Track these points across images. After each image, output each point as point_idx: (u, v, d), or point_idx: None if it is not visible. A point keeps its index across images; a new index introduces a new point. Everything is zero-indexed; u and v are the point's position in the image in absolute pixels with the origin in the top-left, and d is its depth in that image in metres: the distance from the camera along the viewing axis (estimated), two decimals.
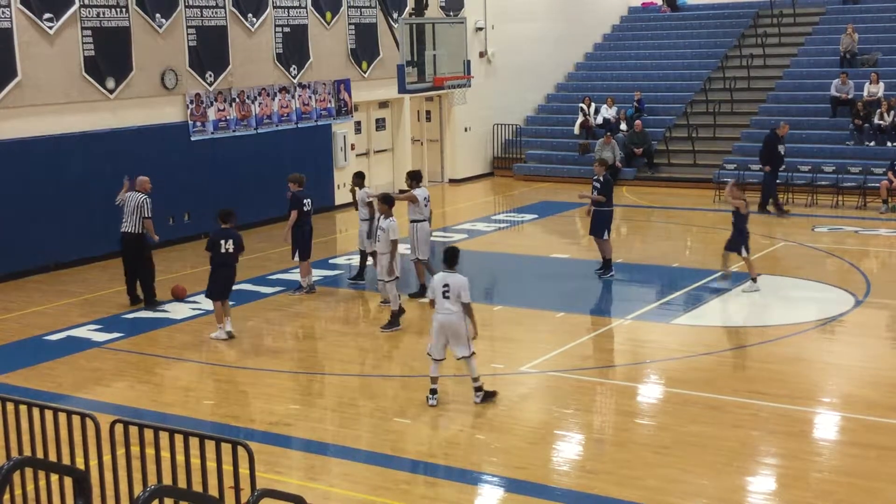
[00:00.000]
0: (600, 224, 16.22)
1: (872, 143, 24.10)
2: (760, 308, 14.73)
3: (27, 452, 7.74)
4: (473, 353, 10.86)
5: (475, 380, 10.93)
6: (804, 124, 25.73)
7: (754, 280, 15.21)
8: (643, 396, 11.41)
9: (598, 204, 16.21)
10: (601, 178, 16.22)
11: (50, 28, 17.41)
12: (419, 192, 15.25)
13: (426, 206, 15.33)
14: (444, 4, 25.95)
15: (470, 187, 26.89)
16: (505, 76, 28.33)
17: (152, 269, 15.14)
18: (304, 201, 15.57)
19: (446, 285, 10.71)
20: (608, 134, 26.14)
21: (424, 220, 15.33)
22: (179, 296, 15.26)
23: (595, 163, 17.01)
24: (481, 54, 27.45)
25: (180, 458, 7.13)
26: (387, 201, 13.93)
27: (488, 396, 10.97)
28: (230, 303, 13.74)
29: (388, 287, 13.96)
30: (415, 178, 15.55)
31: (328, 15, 22.85)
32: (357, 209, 15.96)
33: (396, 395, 11.54)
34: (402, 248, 14.55)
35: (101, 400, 11.22)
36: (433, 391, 10.94)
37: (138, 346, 13.39)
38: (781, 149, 21.61)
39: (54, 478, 7.52)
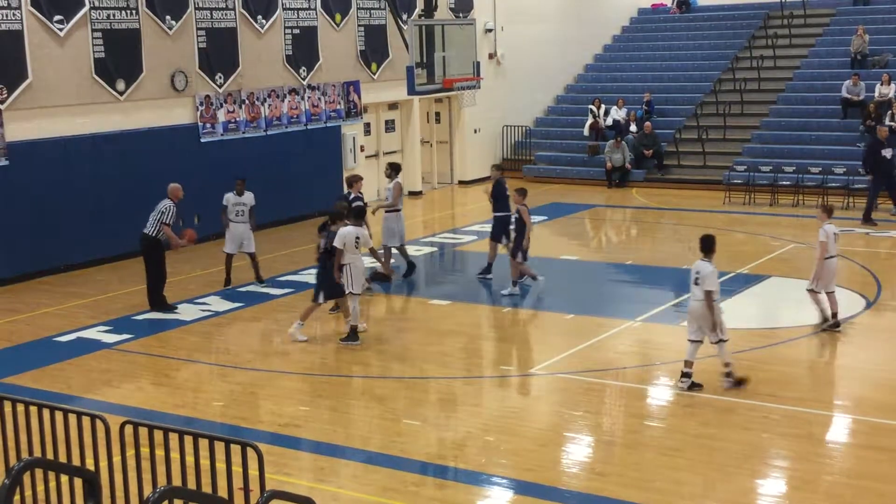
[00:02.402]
0: (498, 229, 16.27)
1: None
2: (770, 310, 14.69)
3: (37, 454, 7.76)
4: (722, 339, 10.98)
5: (725, 365, 11.06)
6: (814, 126, 25.68)
7: (515, 283, 15.51)
8: (653, 398, 11.38)
9: (495, 209, 16.31)
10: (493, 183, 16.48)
11: (60, 30, 17.46)
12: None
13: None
14: (453, 6, 25.95)
15: (479, 189, 26.86)
16: (514, 78, 28.32)
17: (163, 273, 15.09)
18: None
19: (698, 272, 10.94)
20: (618, 138, 26.11)
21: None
22: (191, 240, 15.12)
23: (492, 166, 17.23)
24: (491, 56, 27.44)
25: (190, 459, 7.15)
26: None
27: (738, 384, 11.03)
28: (319, 302, 13.61)
29: (351, 299, 13.34)
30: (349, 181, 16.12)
31: (337, 16, 22.86)
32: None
33: (406, 396, 11.53)
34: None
35: (111, 401, 11.24)
36: (685, 374, 11.09)
37: (148, 348, 13.41)
38: (887, 153, 20.60)
39: (64, 479, 7.53)
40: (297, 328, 13.49)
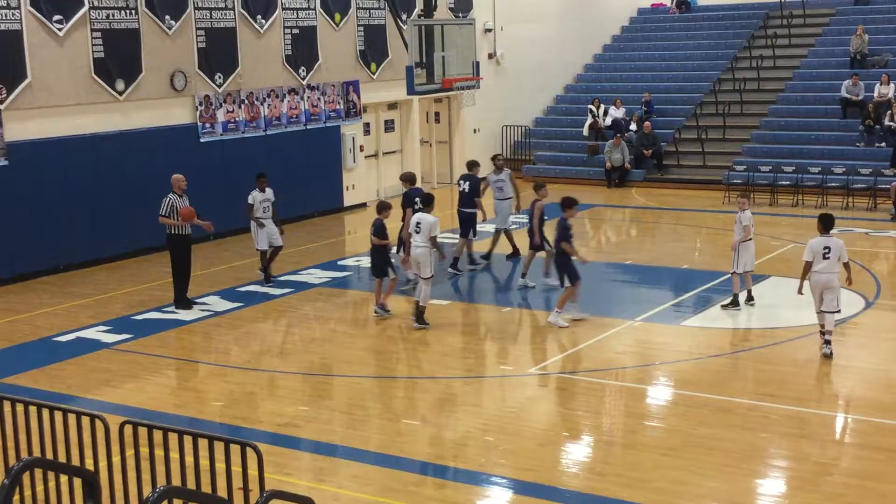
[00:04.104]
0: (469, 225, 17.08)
1: (883, 145, 24.02)
2: (770, 310, 14.69)
3: (37, 453, 7.75)
4: (839, 310, 12.21)
5: (830, 333, 12.21)
6: (814, 126, 25.68)
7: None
8: (652, 398, 11.38)
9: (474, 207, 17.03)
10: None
11: (60, 30, 17.45)
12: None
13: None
14: (452, 6, 25.94)
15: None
16: (514, 77, 28.32)
17: (177, 271, 15.04)
18: (416, 199, 15.44)
19: (827, 248, 12.10)
20: (618, 136, 26.13)
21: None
22: (188, 217, 14.89)
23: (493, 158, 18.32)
24: (490, 56, 27.44)
25: (189, 459, 7.14)
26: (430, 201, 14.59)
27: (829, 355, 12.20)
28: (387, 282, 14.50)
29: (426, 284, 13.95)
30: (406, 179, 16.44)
31: (337, 16, 22.85)
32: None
33: (406, 396, 11.53)
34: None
35: (111, 401, 11.24)
36: (827, 341, 12.22)
37: (147, 348, 13.40)
38: None
39: (64, 479, 7.54)
40: (557, 315, 13.77)
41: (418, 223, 13.87)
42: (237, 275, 17.10)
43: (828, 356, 12.05)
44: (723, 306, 14.34)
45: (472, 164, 17.59)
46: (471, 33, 20.78)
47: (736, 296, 14.29)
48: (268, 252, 16.48)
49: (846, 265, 12.22)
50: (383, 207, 14.58)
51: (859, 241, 19.00)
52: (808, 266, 12.21)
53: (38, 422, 7.71)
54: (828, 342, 12.16)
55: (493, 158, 18.26)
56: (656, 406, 11.18)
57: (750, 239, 14.20)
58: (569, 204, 14.08)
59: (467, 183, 17.04)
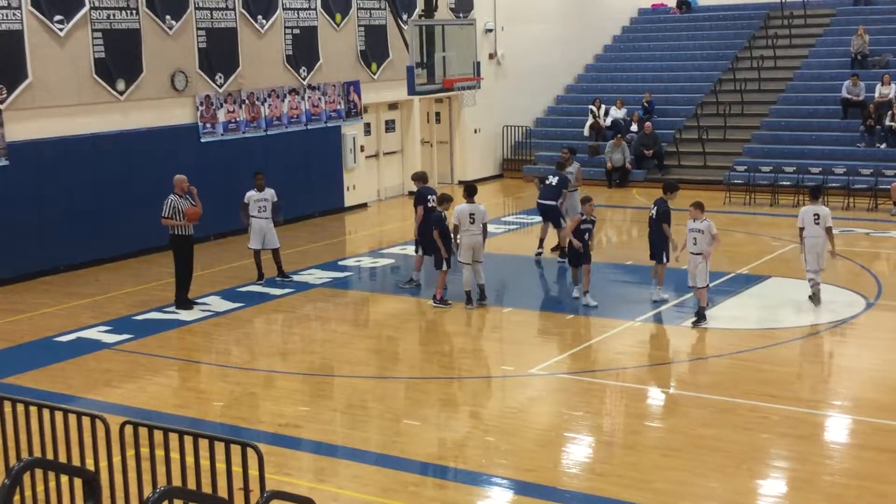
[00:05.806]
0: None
1: (883, 146, 24.03)
2: (771, 310, 14.69)
3: (37, 454, 7.76)
4: (824, 268, 14.23)
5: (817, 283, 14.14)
6: (815, 126, 25.68)
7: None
8: (653, 399, 11.39)
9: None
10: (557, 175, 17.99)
11: (60, 30, 17.45)
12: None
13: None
14: (453, 6, 25.94)
15: (479, 189, 26.74)
16: (515, 78, 28.32)
17: (180, 272, 15.04)
18: (429, 197, 15.80)
19: (816, 215, 13.96)
20: (618, 136, 26.14)
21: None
22: (192, 218, 14.91)
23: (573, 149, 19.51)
24: (491, 56, 27.43)
25: (190, 459, 7.15)
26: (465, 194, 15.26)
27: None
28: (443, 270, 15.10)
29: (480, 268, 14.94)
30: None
31: (338, 16, 22.85)
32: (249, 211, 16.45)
33: (406, 396, 11.53)
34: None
35: (111, 401, 11.24)
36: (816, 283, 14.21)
37: (148, 348, 13.40)
38: None
39: (64, 479, 7.54)
40: (658, 291, 14.76)
41: (472, 213, 14.75)
42: (237, 275, 17.10)
43: (817, 298, 14.07)
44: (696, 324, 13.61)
45: (562, 164, 18.44)
46: (471, 33, 20.77)
47: (703, 309, 13.65)
48: (261, 252, 16.43)
49: (829, 230, 13.91)
50: (444, 200, 15.17)
51: (860, 241, 18.99)
52: (802, 232, 14.11)
53: (38, 422, 7.71)
54: (817, 283, 14.10)
55: (562, 152, 19.21)
56: (656, 406, 11.18)
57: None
58: (671, 188, 14.83)
59: (556, 178, 17.81)
